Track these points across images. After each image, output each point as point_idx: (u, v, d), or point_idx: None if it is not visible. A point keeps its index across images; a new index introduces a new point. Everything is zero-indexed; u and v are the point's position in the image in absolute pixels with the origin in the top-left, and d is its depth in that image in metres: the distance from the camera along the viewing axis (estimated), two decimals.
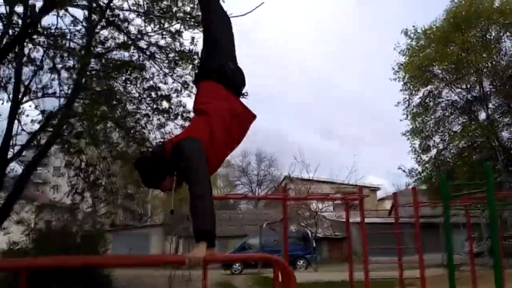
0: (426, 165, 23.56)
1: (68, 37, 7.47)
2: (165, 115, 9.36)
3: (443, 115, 24.00)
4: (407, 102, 24.23)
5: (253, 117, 2.76)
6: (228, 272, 20.55)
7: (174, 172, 2.53)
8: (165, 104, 9.24)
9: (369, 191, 36.00)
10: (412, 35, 23.82)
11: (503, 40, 22.88)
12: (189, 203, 2.39)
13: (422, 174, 23.52)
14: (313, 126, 74.86)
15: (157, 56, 8.26)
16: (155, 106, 9.23)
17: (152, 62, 8.32)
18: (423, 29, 23.61)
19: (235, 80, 2.80)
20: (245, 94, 2.84)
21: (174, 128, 9.34)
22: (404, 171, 24.00)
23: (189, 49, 8.18)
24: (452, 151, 23.47)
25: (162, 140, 2.42)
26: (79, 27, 7.67)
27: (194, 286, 15.39)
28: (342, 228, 32.40)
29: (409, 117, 24.07)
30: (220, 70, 2.75)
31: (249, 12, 6.07)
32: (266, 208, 52.85)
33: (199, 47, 8.08)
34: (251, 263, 20.18)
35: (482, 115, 23.47)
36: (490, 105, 23.52)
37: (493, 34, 22.78)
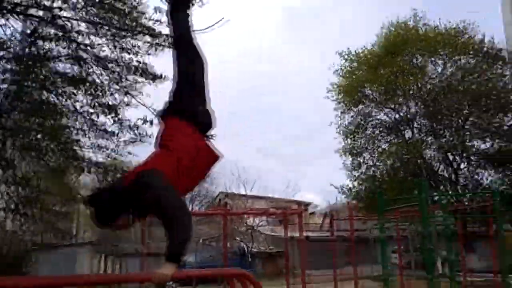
0: (357, 181, 24.58)
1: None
2: (102, 131, 8.96)
3: (373, 133, 25.25)
4: (339, 121, 25.27)
5: (217, 157, 2.82)
6: None
7: (129, 208, 2.51)
8: (104, 119, 8.84)
9: (303, 206, 36.75)
10: (346, 57, 24.98)
11: (427, 66, 24.57)
12: (163, 224, 2.42)
13: (353, 190, 24.47)
14: (252, 144, 75.28)
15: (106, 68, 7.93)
16: (93, 119, 8.82)
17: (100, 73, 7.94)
18: (356, 52, 24.83)
19: (204, 122, 2.86)
20: (212, 136, 2.88)
21: (116, 147, 8.94)
22: (335, 187, 24.86)
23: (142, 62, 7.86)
24: (381, 168, 24.67)
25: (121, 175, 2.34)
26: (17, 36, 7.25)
27: None
28: (276, 243, 32.79)
29: (341, 135, 25.11)
30: (191, 111, 2.79)
31: (210, 26, 6.05)
32: (198, 224, 52.46)
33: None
34: (187, 281, 19.81)
35: (408, 134, 24.96)
36: (416, 125, 25.07)
37: (419, 60, 24.41)
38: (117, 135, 8.99)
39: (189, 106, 2.81)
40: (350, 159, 24.95)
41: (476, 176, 24.15)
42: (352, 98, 24.48)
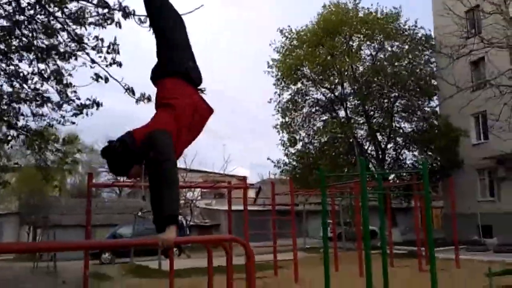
0: (293, 157, 25.45)
1: None
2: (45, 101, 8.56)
3: (309, 112, 26.12)
4: (278, 98, 25.85)
5: (211, 111, 2.99)
6: (97, 262, 19.86)
7: (142, 161, 2.68)
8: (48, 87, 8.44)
9: (237, 180, 37.37)
10: (287, 35, 25.39)
11: (363, 49, 25.64)
12: (154, 189, 2.57)
13: (289, 165, 25.36)
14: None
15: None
16: (37, 88, 8.43)
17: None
18: (297, 30, 25.31)
19: (196, 77, 3.00)
20: (203, 89, 3.05)
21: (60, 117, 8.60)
22: (272, 161, 25.64)
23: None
24: (315, 145, 25.69)
25: (129, 130, 2.42)
26: None
27: (59, 278, 14.67)
28: (210, 216, 33.35)
29: (279, 112, 25.72)
30: (184, 69, 2.92)
31: (189, 13, 5.94)
32: (130, 196, 51.45)
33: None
34: (122, 252, 19.82)
35: (342, 114, 26.11)
36: (349, 105, 26.25)
37: (356, 43, 25.37)
38: (61, 106, 8.70)
39: (181, 65, 2.93)
40: (287, 136, 25.71)
41: (400, 156, 25.96)
42: (291, 76, 25.03)
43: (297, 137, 25.79)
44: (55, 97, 8.79)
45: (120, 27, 5.24)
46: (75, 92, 7.71)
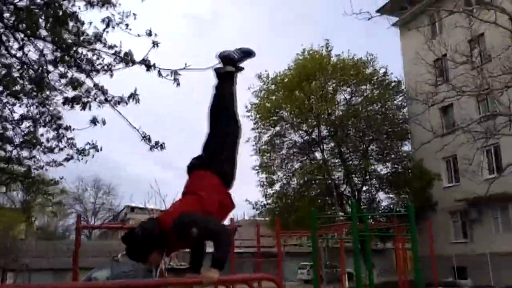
0: (271, 198, 25.65)
1: None
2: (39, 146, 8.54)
3: (287, 153, 26.58)
4: (256, 140, 26.26)
5: (233, 207, 3.36)
6: None
7: (164, 247, 2.99)
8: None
9: None
10: (264, 79, 26.12)
11: (339, 93, 26.58)
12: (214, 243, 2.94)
13: (267, 207, 25.51)
14: (152, 158, 74.12)
15: None
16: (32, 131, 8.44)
17: None
18: (274, 75, 26.11)
19: (231, 182, 3.39)
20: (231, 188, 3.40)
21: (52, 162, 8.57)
22: (250, 203, 25.71)
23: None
24: (293, 186, 26.01)
25: (152, 217, 2.64)
26: None
27: None
28: (186, 259, 32.76)
29: (258, 153, 26.08)
30: (225, 172, 3.31)
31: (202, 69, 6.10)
32: (101, 238, 50.07)
33: None
34: None
35: (319, 156, 26.67)
36: (325, 147, 26.87)
37: (331, 87, 26.31)
38: (52, 150, 8.68)
39: (225, 169, 3.31)
40: (265, 176, 25.97)
41: (375, 198, 26.53)
42: (269, 119, 25.60)
43: (275, 178, 26.11)
44: (45, 140, 8.85)
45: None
46: (71, 138, 7.79)
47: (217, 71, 3.51)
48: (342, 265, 11.32)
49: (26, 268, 17.45)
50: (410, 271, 16.31)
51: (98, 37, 5.13)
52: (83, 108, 5.72)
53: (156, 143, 5.48)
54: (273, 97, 25.81)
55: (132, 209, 44.82)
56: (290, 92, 25.16)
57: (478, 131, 14.32)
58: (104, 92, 5.42)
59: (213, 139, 3.40)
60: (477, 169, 16.05)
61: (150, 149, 5.52)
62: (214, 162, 3.28)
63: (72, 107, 5.78)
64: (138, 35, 5.75)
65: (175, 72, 4.90)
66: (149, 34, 5.83)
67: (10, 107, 8.30)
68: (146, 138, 5.46)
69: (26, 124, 8.60)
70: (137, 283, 3.41)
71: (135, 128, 5.33)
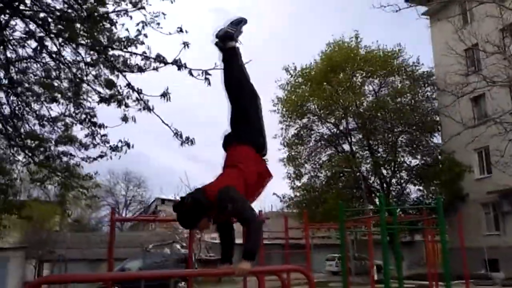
0: (298, 190, 25.77)
1: None
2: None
3: (314, 146, 26.60)
4: (283, 132, 26.36)
5: (271, 176, 3.54)
6: None
7: (211, 214, 3.17)
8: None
9: None
10: (291, 72, 26.14)
11: (366, 85, 26.37)
12: (245, 231, 3.12)
13: (294, 200, 25.63)
14: (180, 151, 75.10)
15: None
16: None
17: None
18: (302, 68, 26.09)
19: (263, 150, 3.58)
20: (266, 158, 3.62)
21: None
22: (278, 196, 25.91)
23: None
24: (321, 178, 26.05)
25: (198, 187, 2.82)
26: None
27: None
28: (214, 249, 33.30)
29: (285, 147, 26.19)
30: (256, 142, 3.50)
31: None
32: (132, 230, 51.22)
33: None
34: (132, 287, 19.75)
35: (346, 148, 26.58)
36: (353, 140, 26.76)
37: (359, 79, 26.13)
38: (87, 146, 9.03)
39: (255, 138, 3.50)
40: (292, 169, 26.07)
41: (404, 190, 26.30)
42: (297, 112, 25.63)
43: (303, 171, 26.19)
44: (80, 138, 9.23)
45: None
46: (105, 135, 8.10)
47: (220, 47, 3.66)
48: (371, 257, 11.35)
49: (62, 259, 18.11)
50: (440, 264, 16.20)
51: (132, 41, 5.33)
52: (119, 105, 5.97)
53: (187, 138, 5.69)
54: (300, 90, 25.81)
55: (163, 201, 45.66)
56: (318, 84, 25.13)
57: (510, 122, 14.05)
58: (138, 91, 5.65)
59: (237, 113, 3.57)
60: (509, 161, 15.74)
61: (181, 144, 5.73)
62: (244, 134, 3.47)
63: (108, 105, 6.03)
64: (170, 33, 5.94)
65: (205, 72, 5.08)
66: (180, 30, 6.00)
67: (47, 105, 8.69)
68: (178, 134, 5.67)
69: (62, 122, 8.97)
70: (171, 272, 3.62)
71: (167, 125, 5.55)
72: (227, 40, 3.62)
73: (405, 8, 13.52)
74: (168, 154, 72.55)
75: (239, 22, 3.70)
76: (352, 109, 25.59)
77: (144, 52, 5.37)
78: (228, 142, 3.53)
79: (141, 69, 5.42)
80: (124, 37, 5.53)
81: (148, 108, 5.53)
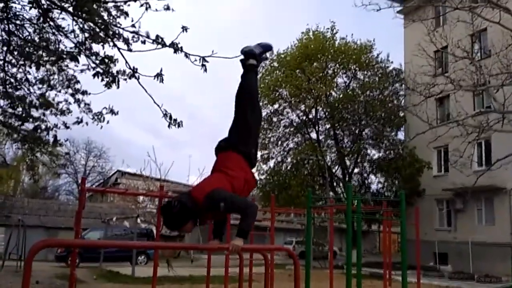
0: (264, 175, 26.20)
1: None
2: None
3: (283, 131, 27.01)
4: None
5: (256, 184, 3.86)
6: (64, 265, 19.75)
7: (197, 218, 3.40)
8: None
9: None
10: (268, 55, 26.24)
11: (339, 76, 26.87)
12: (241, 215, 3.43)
13: (259, 182, 26.00)
14: (143, 125, 74.42)
15: None
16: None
17: None
18: (278, 52, 26.26)
19: (255, 161, 3.88)
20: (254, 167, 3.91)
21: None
22: None
23: None
24: (287, 164, 26.54)
25: (185, 192, 2.98)
26: None
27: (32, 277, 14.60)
28: None
29: None
30: (249, 153, 3.75)
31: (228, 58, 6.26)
32: (91, 201, 50.43)
33: None
34: (91, 257, 19.79)
35: (314, 136, 27.13)
36: (321, 129, 27.34)
37: (332, 69, 26.57)
38: (64, 112, 9.00)
39: (249, 149, 3.76)
40: (260, 153, 26.39)
41: (365, 181, 27.20)
42: (268, 97, 25.88)
43: (271, 155, 26.61)
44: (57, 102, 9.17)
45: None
46: (88, 104, 8.11)
47: (242, 63, 3.96)
48: (331, 243, 11.89)
49: (22, 224, 17.86)
50: (393, 254, 17.01)
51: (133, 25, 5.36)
52: (113, 81, 6.03)
53: (175, 120, 5.82)
54: (274, 75, 26.03)
55: (123, 174, 45.07)
56: (291, 71, 25.41)
57: (472, 125, 14.79)
58: (133, 70, 5.70)
59: (239, 124, 3.82)
60: (467, 161, 16.58)
61: (168, 126, 5.86)
62: (241, 144, 3.71)
63: (102, 80, 6.06)
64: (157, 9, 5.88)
65: (203, 59, 5.21)
66: (167, 8, 6.00)
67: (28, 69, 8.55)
68: (166, 115, 5.79)
69: (39, 86, 8.86)
70: (167, 245, 3.82)
71: (158, 105, 5.67)
72: (250, 57, 3.90)
73: (386, 8, 13.91)
74: (131, 127, 71.56)
75: (266, 47, 4.03)
76: (322, 99, 26.05)
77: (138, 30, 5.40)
78: (221, 148, 3.76)
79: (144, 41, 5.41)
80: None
81: (140, 83, 5.60)
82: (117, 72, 6.04)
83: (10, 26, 7.30)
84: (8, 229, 26.37)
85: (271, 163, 26.74)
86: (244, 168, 3.67)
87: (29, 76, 8.72)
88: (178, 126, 5.93)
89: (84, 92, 7.83)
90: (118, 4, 5.57)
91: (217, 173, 3.62)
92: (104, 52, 6.02)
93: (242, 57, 3.96)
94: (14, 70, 8.65)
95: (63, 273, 16.34)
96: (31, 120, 9.50)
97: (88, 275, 16.46)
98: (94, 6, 5.12)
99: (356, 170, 26.93)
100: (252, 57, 3.91)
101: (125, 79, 6.03)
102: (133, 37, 5.53)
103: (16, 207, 28.70)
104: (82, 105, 7.89)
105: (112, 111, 7.41)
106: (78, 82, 7.87)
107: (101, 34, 5.61)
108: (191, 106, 69.14)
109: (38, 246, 3.01)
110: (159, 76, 5.35)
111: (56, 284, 14.32)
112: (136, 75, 5.63)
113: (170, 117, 5.84)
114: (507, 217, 20.80)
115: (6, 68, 7.71)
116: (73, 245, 3.55)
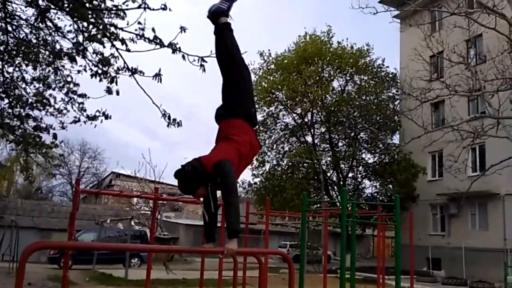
0: (259, 177, 26.18)
1: None
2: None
3: (279, 134, 27.02)
4: None
5: (260, 146, 3.79)
6: (56, 266, 19.62)
7: (208, 183, 3.34)
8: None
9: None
10: (266, 58, 26.33)
11: (335, 80, 26.91)
12: (225, 208, 3.28)
13: (254, 186, 26.01)
14: (138, 126, 74.21)
15: None
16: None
17: None
18: (276, 55, 26.33)
19: (255, 121, 3.76)
20: (257, 127, 3.78)
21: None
22: (237, 182, 26.14)
23: None
24: (282, 167, 26.52)
25: (196, 157, 2.89)
26: None
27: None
28: (168, 229, 33.45)
29: None
30: (248, 113, 3.65)
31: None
32: (84, 202, 50.18)
33: None
34: (84, 259, 19.68)
35: (309, 139, 27.13)
36: (316, 132, 27.35)
37: (328, 73, 26.61)
38: (61, 112, 8.93)
39: (247, 110, 3.65)
40: (256, 156, 26.34)
41: (360, 185, 27.22)
42: (265, 100, 25.88)
43: (266, 159, 26.57)
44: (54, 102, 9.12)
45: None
46: (82, 103, 8.05)
47: (213, 22, 3.73)
48: (326, 247, 11.88)
49: (15, 225, 17.73)
50: (387, 258, 17.02)
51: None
52: (111, 82, 5.98)
53: (174, 120, 5.78)
54: (271, 77, 26.04)
55: (118, 175, 44.93)
56: (288, 74, 25.43)
57: (467, 131, 14.84)
58: (133, 70, 5.66)
59: (230, 86, 3.70)
60: (461, 166, 16.64)
61: (168, 125, 5.82)
62: (237, 107, 3.62)
63: (100, 80, 6.01)
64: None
65: (201, 59, 5.17)
66: (164, 8, 5.92)
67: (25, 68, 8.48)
68: (165, 115, 5.75)
69: (38, 84, 8.79)
70: (168, 248, 3.78)
71: (157, 105, 5.63)
72: (219, 15, 3.68)
73: (382, 12, 13.95)
74: (126, 127, 71.36)
75: None
76: (318, 102, 26.07)
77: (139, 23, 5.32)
78: (221, 116, 3.67)
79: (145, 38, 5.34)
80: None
81: (138, 84, 5.55)
82: (116, 72, 5.98)
83: (8, 26, 7.27)
84: (0, 230, 26.22)
85: (267, 166, 26.71)
86: (248, 131, 3.60)
87: (25, 75, 8.68)
88: (178, 126, 5.90)
89: (83, 95, 7.76)
90: (114, 10, 5.50)
91: (224, 142, 3.52)
92: (103, 54, 5.97)
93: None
94: (11, 69, 8.62)
95: (56, 275, 16.24)
96: (31, 119, 9.45)
97: (81, 277, 16.33)
98: (89, 12, 5.08)
99: (350, 174, 26.94)
100: (222, 14, 3.68)
101: (123, 74, 5.93)
102: (132, 39, 5.48)
103: (9, 208, 28.52)
104: (76, 105, 7.83)
105: (104, 115, 7.34)
106: (77, 85, 7.80)
107: (99, 35, 5.58)
108: (188, 106, 69.08)
109: (31, 248, 2.96)
110: (157, 76, 5.32)
111: (48, 286, 14.20)
112: (135, 75, 5.59)
113: (169, 117, 5.80)
114: (501, 222, 20.86)
115: (3, 68, 7.66)
116: (67, 247, 3.47)
